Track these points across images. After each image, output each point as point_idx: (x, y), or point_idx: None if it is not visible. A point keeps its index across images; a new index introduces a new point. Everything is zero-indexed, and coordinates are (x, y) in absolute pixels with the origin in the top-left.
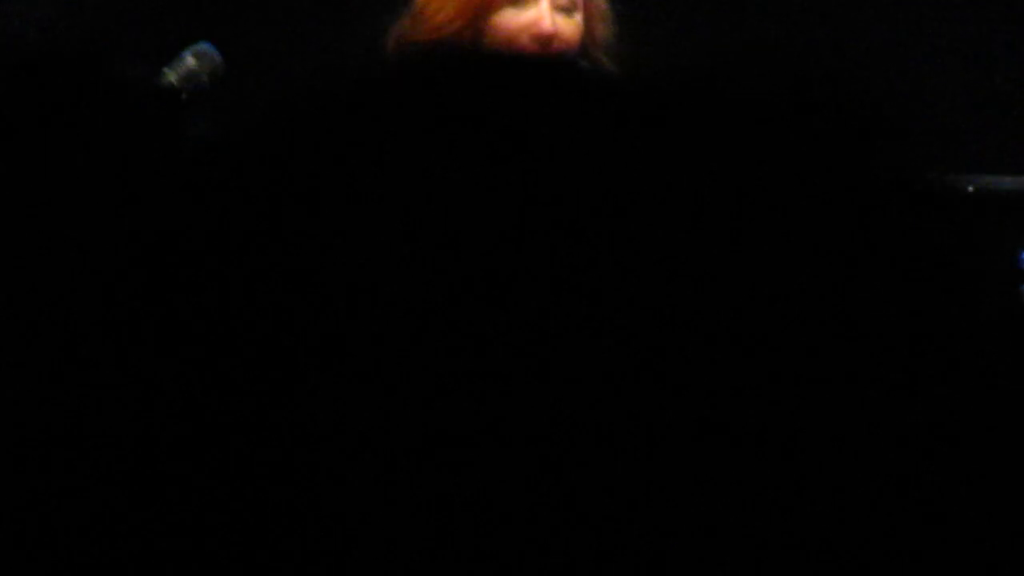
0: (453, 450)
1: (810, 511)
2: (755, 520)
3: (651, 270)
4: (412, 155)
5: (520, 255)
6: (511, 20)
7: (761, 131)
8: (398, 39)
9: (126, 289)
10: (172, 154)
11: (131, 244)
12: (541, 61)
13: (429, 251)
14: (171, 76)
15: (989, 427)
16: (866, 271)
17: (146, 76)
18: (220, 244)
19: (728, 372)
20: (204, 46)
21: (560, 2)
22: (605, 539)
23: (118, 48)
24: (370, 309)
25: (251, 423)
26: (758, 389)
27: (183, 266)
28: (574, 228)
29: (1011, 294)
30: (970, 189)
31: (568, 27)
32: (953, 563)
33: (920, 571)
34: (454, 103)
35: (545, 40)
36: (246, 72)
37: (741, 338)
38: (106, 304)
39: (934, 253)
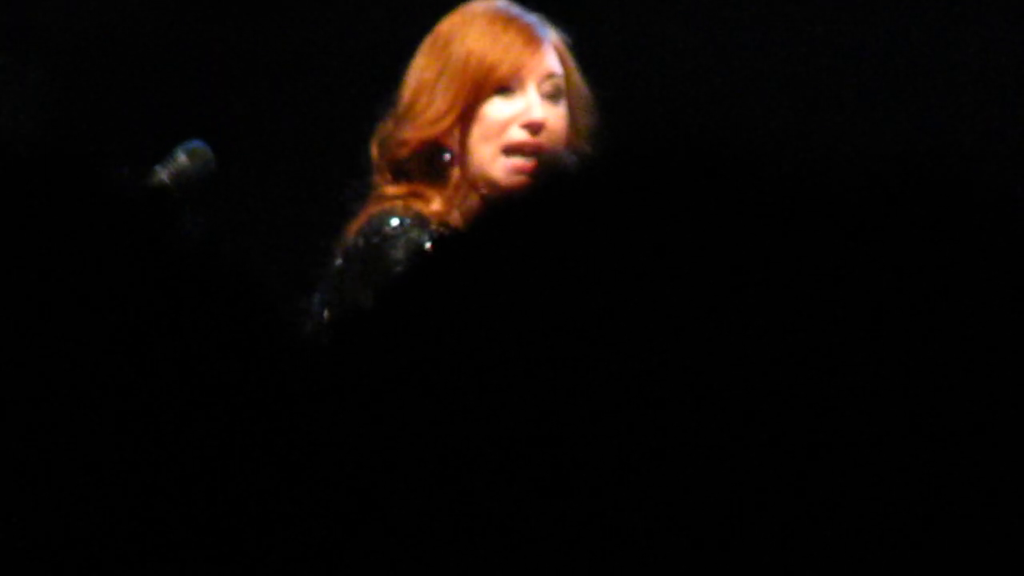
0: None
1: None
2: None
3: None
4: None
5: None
6: (501, 110)
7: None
8: (384, 140)
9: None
10: (165, 252)
11: (127, 340)
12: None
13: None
14: (163, 174)
15: None
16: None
17: (137, 175)
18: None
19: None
20: (196, 143)
21: (547, 90)
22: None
23: (109, 147)
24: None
25: None
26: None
27: (169, 361)
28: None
29: None
30: None
31: (554, 115)
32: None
33: None
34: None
35: (535, 129)
36: (238, 167)
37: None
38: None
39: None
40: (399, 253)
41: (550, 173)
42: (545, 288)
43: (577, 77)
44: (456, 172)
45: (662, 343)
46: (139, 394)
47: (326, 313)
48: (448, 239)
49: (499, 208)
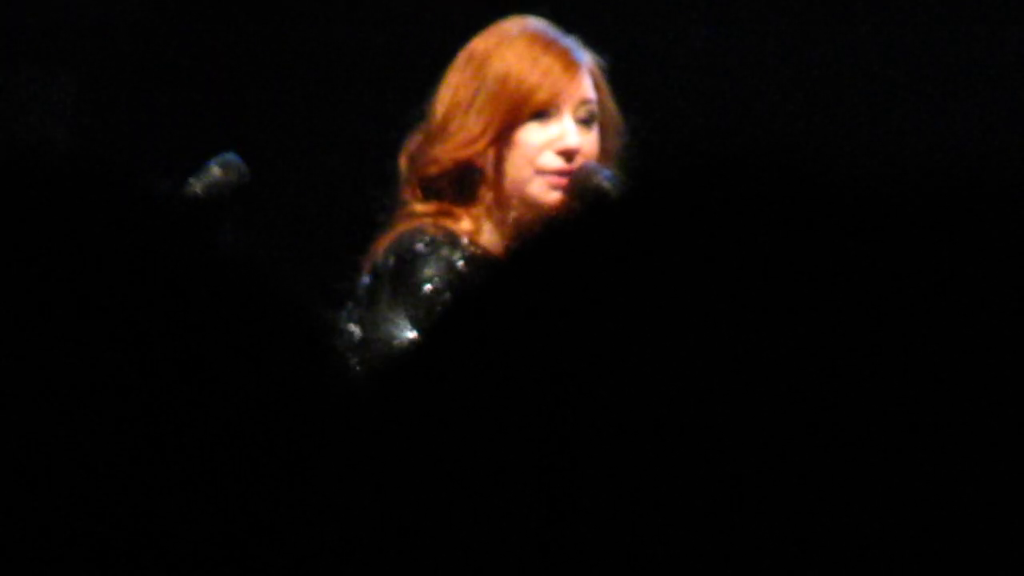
0: None
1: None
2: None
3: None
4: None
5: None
6: (536, 136)
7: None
8: (414, 156)
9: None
10: (200, 263)
11: (161, 349)
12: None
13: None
14: (197, 186)
15: None
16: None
17: (171, 187)
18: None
19: None
20: (230, 156)
21: (581, 115)
22: None
23: (143, 159)
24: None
25: None
26: None
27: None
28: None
29: None
30: None
31: (588, 140)
32: None
33: None
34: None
35: (569, 155)
36: (270, 183)
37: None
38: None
39: None
40: (430, 271)
41: (592, 198)
42: (595, 320)
43: (610, 101)
44: (486, 191)
45: (713, 373)
46: (174, 406)
47: (357, 331)
48: (493, 268)
49: (542, 236)
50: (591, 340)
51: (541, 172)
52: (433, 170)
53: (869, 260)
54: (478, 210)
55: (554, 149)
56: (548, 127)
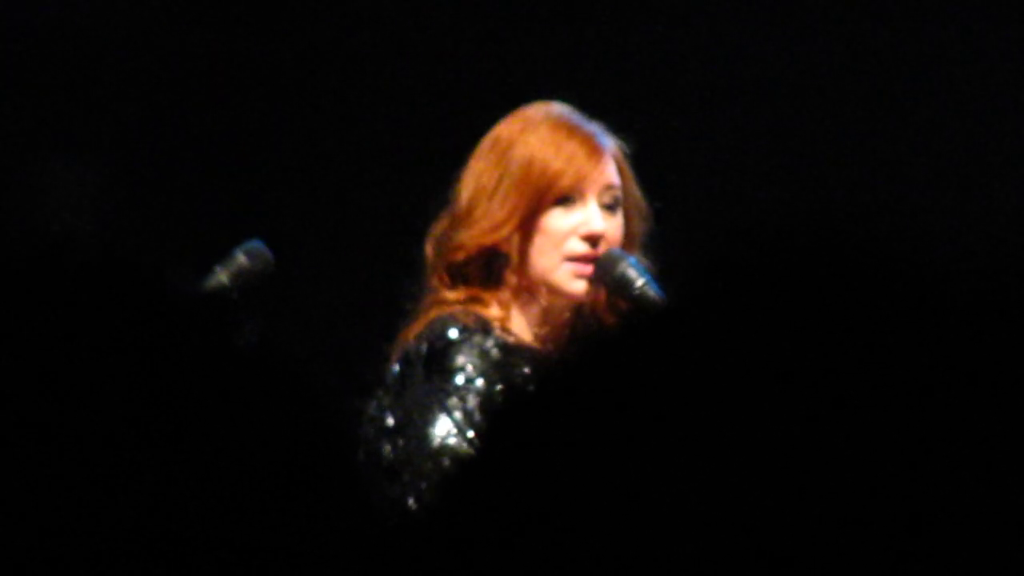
0: None
1: None
2: None
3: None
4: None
5: None
6: (560, 221)
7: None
8: (440, 241)
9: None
10: (224, 356)
11: (189, 444)
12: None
13: None
14: (223, 275)
15: None
16: None
17: (196, 276)
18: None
19: None
20: (255, 244)
21: (605, 201)
22: None
23: (168, 248)
24: None
25: None
26: None
27: (229, 465)
28: None
29: None
30: None
31: (612, 226)
32: None
33: None
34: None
35: (594, 241)
36: (294, 269)
37: None
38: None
39: None
40: (463, 359)
41: (618, 287)
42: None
43: (633, 186)
44: (512, 277)
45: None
46: (199, 499)
47: (389, 418)
48: (547, 379)
49: (595, 346)
50: (651, 462)
51: (567, 258)
52: (459, 256)
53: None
54: (505, 295)
55: (579, 234)
56: (572, 213)
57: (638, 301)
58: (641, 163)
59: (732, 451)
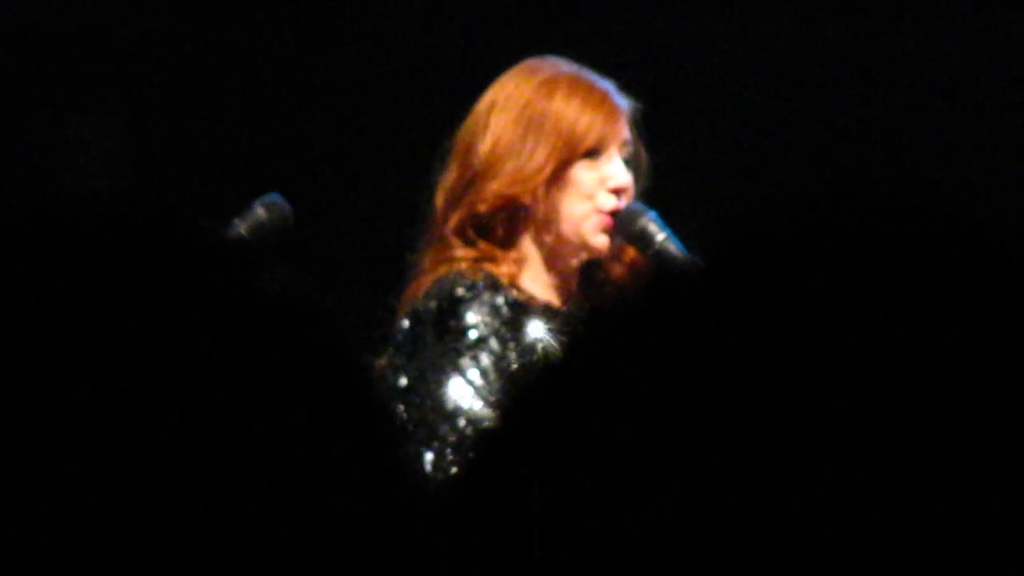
0: None
1: None
2: None
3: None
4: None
5: None
6: (588, 174)
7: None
8: (456, 194)
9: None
10: (248, 304)
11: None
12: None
13: None
14: (241, 227)
15: None
16: None
17: (217, 228)
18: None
19: None
20: (274, 197)
21: (624, 156)
22: None
23: (189, 200)
24: None
25: None
26: None
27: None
28: None
29: None
30: None
31: (631, 180)
32: None
33: None
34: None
35: (620, 192)
36: (314, 222)
37: None
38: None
39: None
40: (474, 317)
41: (639, 240)
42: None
43: (640, 143)
44: (531, 230)
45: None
46: (222, 446)
47: (403, 380)
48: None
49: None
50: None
51: (598, 211)
52: (482, 207)
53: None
54: (518, 253)
55: (606, 187)
56: (598, 166)
57: (659, 255)
58: (657, 128)
59: (757, 421)
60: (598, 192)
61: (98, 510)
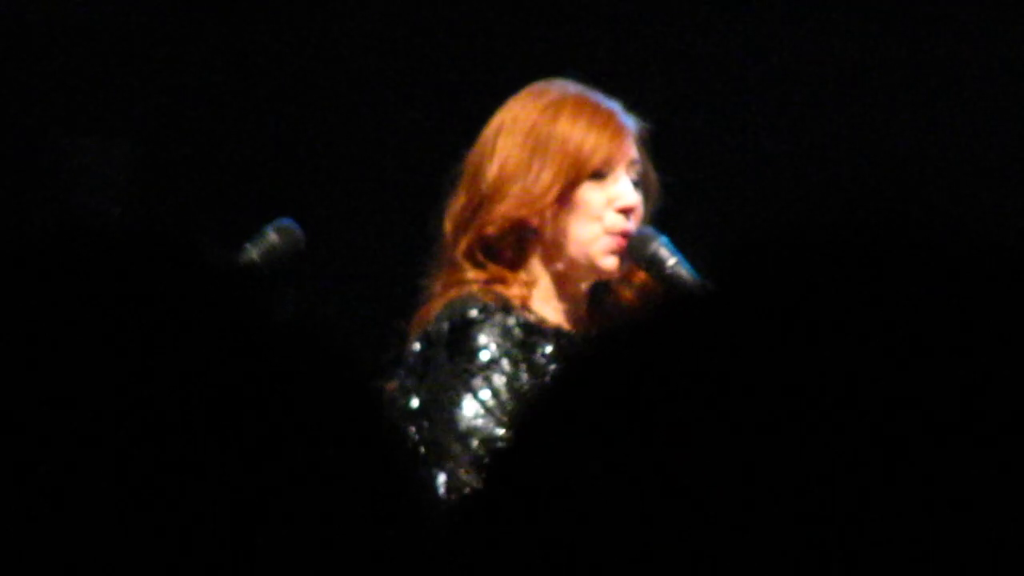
0: None
1: None
2: None
3: None
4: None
5: None
6: (596, 195)
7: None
8: (464, 218)
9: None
10: (258, 330)
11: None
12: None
13: None
14: (253, 252)
15: None
16: None
17: (228, 253)
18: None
19: None
20: (286, 222)
21: (632, 176)
22: None
23: (200, 225)
24: None
25: None
26: None
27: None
28: None
29: None
30: None
31: (639, 200)
32: None
33: None
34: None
35: (628, 212)
36: (324, 250)
37: None
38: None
39: None
40: (485, 338)
41: (650, 265)
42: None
43: (648, 163)
44: (540, 253)
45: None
46: (234, 472)
47: (414, 402)
48: (579, 362)
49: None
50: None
51: (608, 232)
52: (491, 230)
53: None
54: (528, 276)
55: (615, 207)
56: (606, 187)
57: (670, 280)
58: (667, 147)
59: (772, 439)
60: (606, 213)
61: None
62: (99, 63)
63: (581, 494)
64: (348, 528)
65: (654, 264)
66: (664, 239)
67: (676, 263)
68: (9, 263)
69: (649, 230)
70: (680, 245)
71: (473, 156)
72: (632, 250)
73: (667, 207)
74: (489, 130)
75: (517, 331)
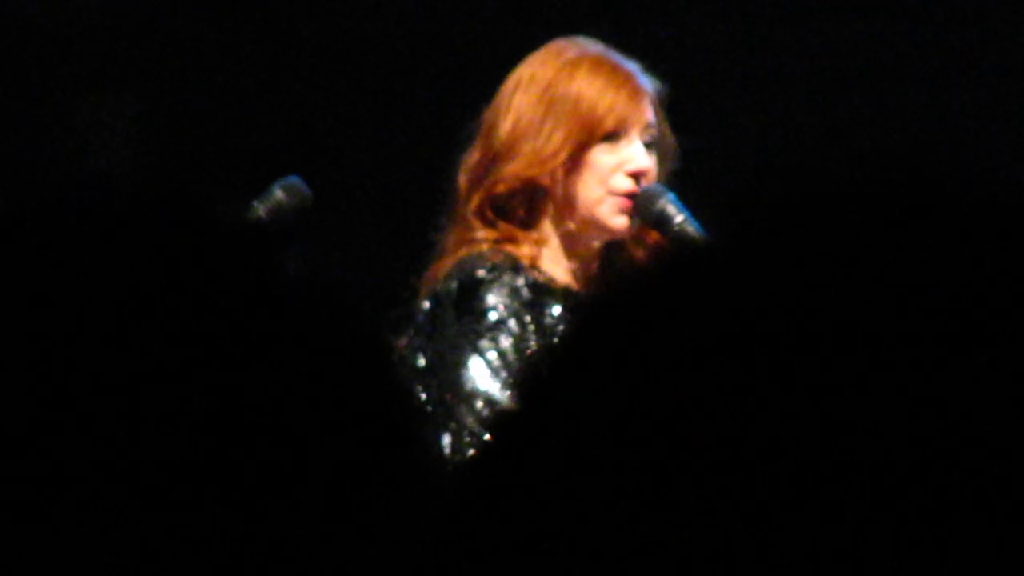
0: None
1: None
2: None
3: None
4: None
5: None
6: (607, 157)
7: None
8: (477, 174)
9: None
10: (268, 285)
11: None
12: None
13: None
14: (261, 210)
15: None
16: None
17: (236, 210)
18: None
19: None
20: (293, 179)
21: (646, 139)
22: None
23: (207, 183)
24: None
25: None
26: None
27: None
28: None
29: None
30: None
31: (652, 163)
32: None
33: None
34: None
35: (639, 176)
36: (333, 207)
37: None
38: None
39: None
40: (494, 298)
41: (657, 221)
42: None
43: (665, 126)
44: (550, 214)
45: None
46: (242, 428)
47: (421, 361)
48: (583, 322)
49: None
50: (693, 401)
51: (612, 193)
52: (501, 188)
53: None
54: (539, 235)
55: (624, 171)
56: (618, 149)
57: (677, 236)
58: (679, 105)
59: (776, 403)
60: (615, 175)
61: (125, 502)
62: (106, 21)
63: (587, 457)
64: (356, 486)
65: (662, 221)
66: (672, 196)
67: (684, 220)
68: (17, 221)
69: (657, 187)
70: (689, 204)
71: (490, 112)
72: (639, 207)
73: (685, 168)
74: (507, 86)
75: (526, 291)
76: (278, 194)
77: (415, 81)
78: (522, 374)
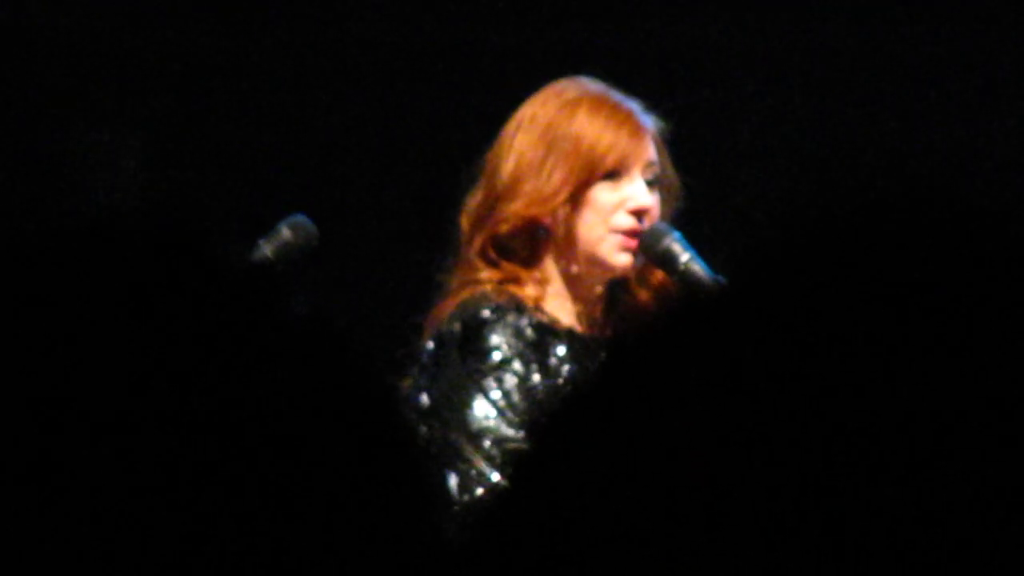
0: None
1: None
2: None
3: None
4: None
5: None
6: (608, 196)
7: None
8: (479, 215)
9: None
10: (273, 327)
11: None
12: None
13: None
14: (266, 248)
15: None
16: None
17: (241, 250)
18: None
19: None
20: (300, 218)
21: (648, 177)
22: None
23: (213, 222)
24: None
25: None
26: None
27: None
28: None
29: None
30: None
31: (654, 201)
32: None
33: None
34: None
35: (641, 214)
36: (337, 245)
37: None
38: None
39: None
40: (498, 339)
41: (662, 260)
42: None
43: (668, 163)
44: (554, 252)
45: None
46: (246, 469)
47: (424, 399)
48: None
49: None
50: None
51: (614, 231)
52: (504, 228)
53: None
54: (542, 274)
55: (626, 209)
56: (619, 187)
57: (683, 276)
58: (680, 142)
59: (787, 444)
60: (616, 213)
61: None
62: (112, 57)
63: (604, 499)
64: (362, 526)
65: (667, 259)
66: (678, 235)
67: (689, 259)
68: (23, 259)
69: (662, 225)
70: (696, 243)
71: (492, 153)
72: (645, 245)
73: (686, 206)
74: (509, 127)
75: (529, 332)
76: (284, 232)
77: (421, 122)
78: (537, 417)
